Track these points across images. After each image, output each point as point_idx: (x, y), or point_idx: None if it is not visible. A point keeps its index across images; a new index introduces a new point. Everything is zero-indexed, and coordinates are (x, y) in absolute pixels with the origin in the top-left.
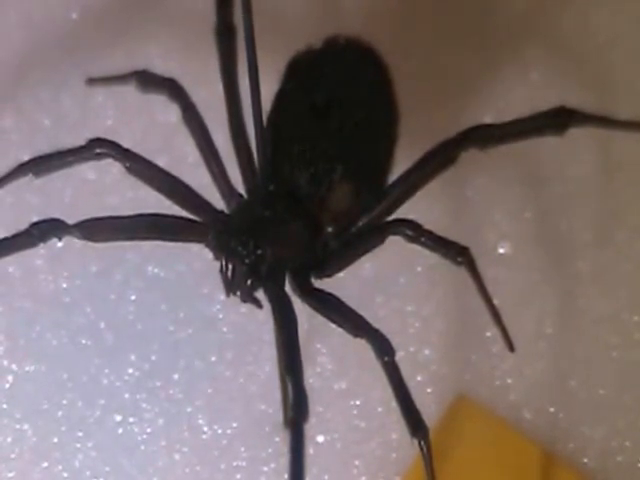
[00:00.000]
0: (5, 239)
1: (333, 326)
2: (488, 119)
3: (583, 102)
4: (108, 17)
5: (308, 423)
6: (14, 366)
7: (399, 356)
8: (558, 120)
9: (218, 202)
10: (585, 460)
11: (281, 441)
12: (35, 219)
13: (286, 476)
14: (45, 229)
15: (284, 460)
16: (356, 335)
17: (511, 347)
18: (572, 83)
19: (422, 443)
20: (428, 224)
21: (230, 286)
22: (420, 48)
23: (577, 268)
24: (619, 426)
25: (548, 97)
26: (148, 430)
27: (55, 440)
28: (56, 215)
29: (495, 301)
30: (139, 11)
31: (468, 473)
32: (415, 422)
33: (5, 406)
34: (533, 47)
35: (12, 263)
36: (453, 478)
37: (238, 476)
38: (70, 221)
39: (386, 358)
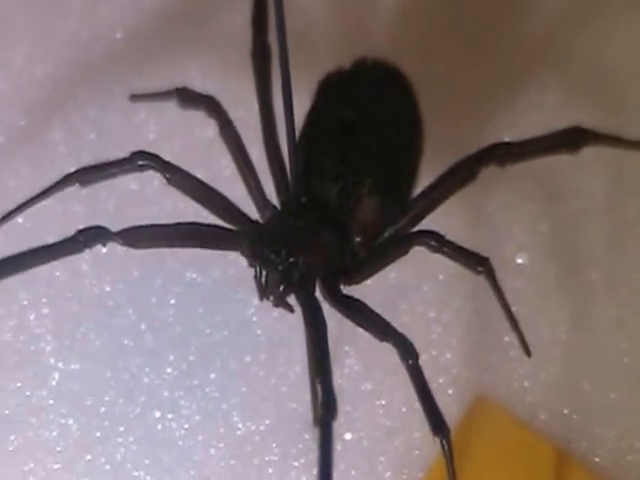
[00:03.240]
0: (53, 245)
1: (360, 331)
2: (507, 138)
3: (597, 122)
4: (151, 37)
5: (336, 422)
6: (60, 364)
7: (422, 359)
8: (572, 139)
9: (253, 213)
10: (597, 459)
11: (310, 438)
12: (81, 227)
13: (315, 471)
14: (90, 236)
15: (313, 456)
16: (382, 339)
17: (528, 352)
18: (587, 104)
19: (444, 442)
20: (450, 236)
21: (264, 291)
22: (444, 69)
23: (590, 278)
24: (629, 427)
25: (564, 118)
26: (186, 426)
27: (98, 434)
28: (100, 223)
29: (513, 308)
30: (181, 32)
31: (487, 470)
32: (437, 422)
33: (51, 402)
34: (550, 70)
35: (59, 268)
36: (472, 475)
37: (270, 470)
38: (113, 229)
39: (410, 361)
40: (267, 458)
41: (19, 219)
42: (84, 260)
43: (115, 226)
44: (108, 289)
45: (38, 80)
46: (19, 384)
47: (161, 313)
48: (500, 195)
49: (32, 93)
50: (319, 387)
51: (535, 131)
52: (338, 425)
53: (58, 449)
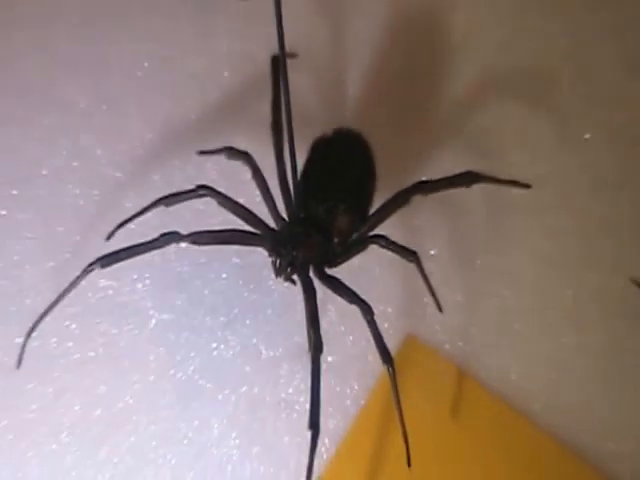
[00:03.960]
0: (145, 242)
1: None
2: (425, 177)
3: (480, 169)
4: (211, 118)
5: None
6: (156, 314)
7: (375, 313)
8: (468, 179)
9: (271, 223)
10: (482, 375)
11: (307, 359)
12: (164, 231)
13: (309, 382)
14: (168, 237)
15: (309, 370)
16: (351, 303)
17: (439, 308)
18: (473, 158)
19: (390, 369)
20: (393, 237)
21: (278, 272)
22: (390, 136)
23: (476, 264)
24: (506, 355)
25: (461, 165)
26: (230, 352)
27: (178, 358)
28: (178, 229)
29: (430, 282)
30: (229, 114)
31: (412, 383)
32: (385, 355)
33: (150, 337)
34: (452, 139)
35: (157, 255)
36: (404, 386)
37: (282, 381)
38: (185, 232)
39: (369, 317)
40: (280, 372)
41: (131, 225)
42: (172, 251)
43: (188, 231)
44: (186, 269)
45: (145, 142)
46: (130, 326)
47: (217, 284)
48: (423, 213)
49: (140, 150)
50: (311, 333)
51: (443, 173)
52: (324, 353)
53: (152, 366)
